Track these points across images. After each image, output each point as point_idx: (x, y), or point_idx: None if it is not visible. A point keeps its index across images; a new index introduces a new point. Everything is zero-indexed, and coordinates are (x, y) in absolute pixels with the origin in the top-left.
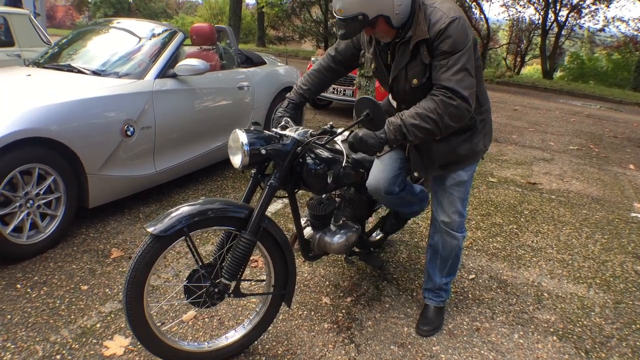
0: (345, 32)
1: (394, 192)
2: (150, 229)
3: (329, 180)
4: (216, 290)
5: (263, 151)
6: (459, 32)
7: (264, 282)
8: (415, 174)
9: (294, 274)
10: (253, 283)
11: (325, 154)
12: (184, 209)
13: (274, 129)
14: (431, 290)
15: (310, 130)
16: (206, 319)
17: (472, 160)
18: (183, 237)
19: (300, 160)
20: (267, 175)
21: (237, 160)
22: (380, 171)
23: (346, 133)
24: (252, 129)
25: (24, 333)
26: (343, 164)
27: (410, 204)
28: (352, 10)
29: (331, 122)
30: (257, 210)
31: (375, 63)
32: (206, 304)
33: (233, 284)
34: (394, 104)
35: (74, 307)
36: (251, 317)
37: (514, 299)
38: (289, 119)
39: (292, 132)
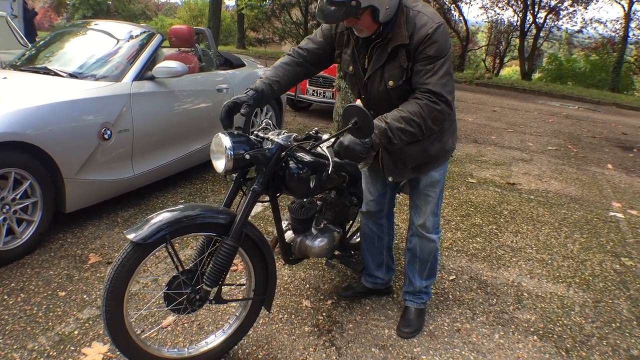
0: (331, 16)
1: (383, 208)
2: (130, 236)
3: (312, 184)
4: (197, 297)
5: (247, 156)
6: (444, 38)
7: (244, 287)
8: (390, 179)
9: (274, 278)
10: (233, 287)
11: (308, 158)
12: (164, 215)
13: (256, 132)
14: (411, 293)
15: (294, 135)
16: (186, 324)
17: (443, 159)
18: (164, 244)
19: (283, 164)
20: (249, 179)
21: (220, 164)
22: (367, 196)
23: (332, 140)
24: (235, 132)
25: (0, 340)
26: (327, 169)
27: (380, 254)
28: None
29: (317, 128)
30: (240, 216)
31: (352, 65)
32: (187, 311)
33: (214, 290)
34: None
35: (51, 313)
36: (231, 322)
37: (494, 300)
38: (269, 121)
39: (275, 136)
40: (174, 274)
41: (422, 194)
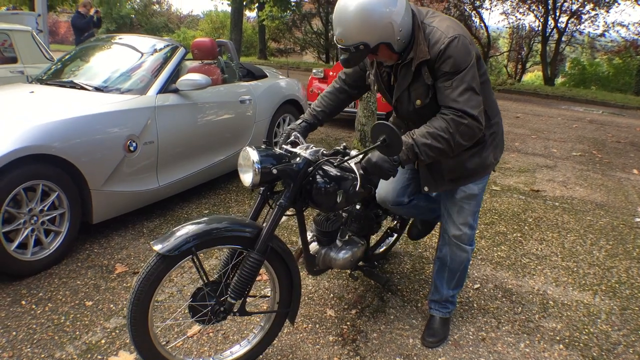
0: (347, 59)
1: (403, 202)
2: (157, 248)
3: (339, 199)
4: (221, 309)
5: (274, 170)
6: (460, 51)
7: (268, 298)
8: (426, 189)
9: (299, 291)
10: (257, 298)
11: (335, 173)
12: (190, 228)
13: (284, 146)
14: (437, 301)
15: (322, 149)
16: (211, 334)
17: (483, 174)
18: (190, 257)
19: (310, 179)
20: (275, 193)
21: (247, 178)
22: (388, 182)
23: (360, 156)
24: (263, 147)
25: (29, 349)
26: (353, 184)
27: (430, 210)
28: (353, 40)
29: (345, 143)
30: (266, 230)
31: (377, 84)
32: (211, 322)
33: (239, 302)
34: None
35: (78, 323)
36: (256, 332)
37: (520, 308)
38: (298, 135)
39: (303, 151)
40: (199, 286)
41: (457, 205)
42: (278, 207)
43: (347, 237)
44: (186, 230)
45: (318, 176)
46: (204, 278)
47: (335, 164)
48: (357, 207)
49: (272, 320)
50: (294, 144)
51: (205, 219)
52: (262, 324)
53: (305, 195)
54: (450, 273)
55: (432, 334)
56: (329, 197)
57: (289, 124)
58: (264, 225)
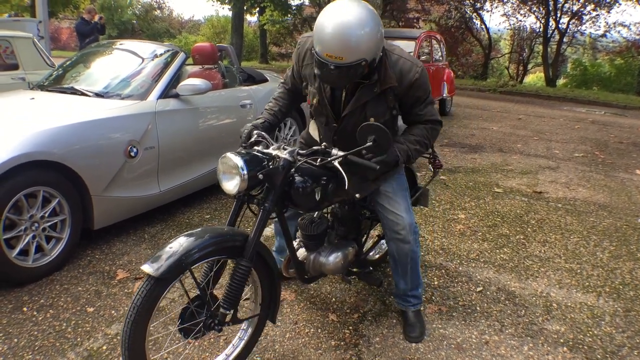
0: (340, 80)
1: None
2: (149, 271)
3: (317, 197)
4: (215, 321)
5: (260, 175)
6: (427, 78)
7: (250, 303)
8: (358, 196)
9: (279, 290)
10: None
11: (312, 171)
12: (180, 245)
13: (256, 148)
14: (397, 295)
15: (296, 149)
16: (196, 344)
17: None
18: (181, 276)
19: (290, 179)
20: (252, 196)
21: (231, 185)
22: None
23: (340, 156)
24: (243, 151)
25: (30, 356)
26: (333, 182)
27: None
28: (356, 56)
29: (325, 143)
30: (253, 236)
31: (318, 97)
32: (202, 334)
33: (231, 312)
34: (315, 135)
35: (80, 329)
36: (234, 343)
37: (523, 311)
38: (262, 133)
39: (280, 152)
40: (184, 306)
41: (376, 191)
42: (262, 212)
43: (335, 240)
44: (176, 248)
45: (297, 176)
46: (187, 296)
47: (317, 164)
48: (343, 208)
49: (255, 324)
50: (264, 144)
51: (192, 232)
52: (244, 327)
53: (283, 197)
54: (400, 266)
55: (411, 330)
56: (307, 196)
57: (290, 128)
58: (249, 231)
